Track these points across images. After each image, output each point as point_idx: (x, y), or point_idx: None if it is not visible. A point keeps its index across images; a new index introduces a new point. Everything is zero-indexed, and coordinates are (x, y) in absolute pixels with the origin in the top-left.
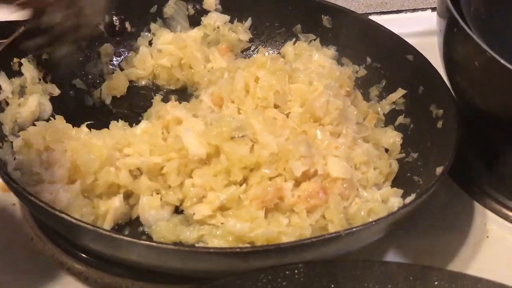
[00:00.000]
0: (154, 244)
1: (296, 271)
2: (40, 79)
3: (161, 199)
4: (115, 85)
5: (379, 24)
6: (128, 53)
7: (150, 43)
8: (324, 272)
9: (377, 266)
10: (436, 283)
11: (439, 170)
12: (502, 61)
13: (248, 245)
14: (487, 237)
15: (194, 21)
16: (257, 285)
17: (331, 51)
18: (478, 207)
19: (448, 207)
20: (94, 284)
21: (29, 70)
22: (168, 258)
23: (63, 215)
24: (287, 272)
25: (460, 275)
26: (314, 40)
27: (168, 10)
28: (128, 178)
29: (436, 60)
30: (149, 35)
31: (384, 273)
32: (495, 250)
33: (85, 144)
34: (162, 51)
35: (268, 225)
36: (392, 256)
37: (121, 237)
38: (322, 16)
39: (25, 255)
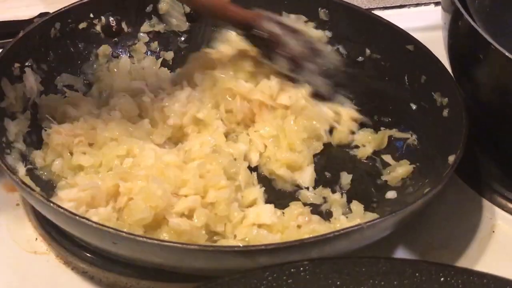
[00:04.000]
0: (179, 244)
1: (301, 268)
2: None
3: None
4: (104, 87)
5: (376, 15)
6: (125, 54)
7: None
8: (330, 269)
9: (383, 263)
10: (442, 279)
11: (451, 158)
12: (507, 54)
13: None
14: (493, 232)
15: (191, 19)
16: (262, 283)
17: (321, 32)
18: (484, 202)
19: (454, 202)
20: (99, 283)
21: (30, 77)
22: (191, 259)
23: (83, 220)
24: (292, 270)
25: (466, 271)
26: (306, 22)
27: (163, 6)
28: (183, 226)
29: (441, 54)
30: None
31: (390, 270)
32: (501, 245)
33: (142, 190)
34: None
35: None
36: (399, 253)
37: (144, 239)
38: (319, 9)
39: (30, 255)
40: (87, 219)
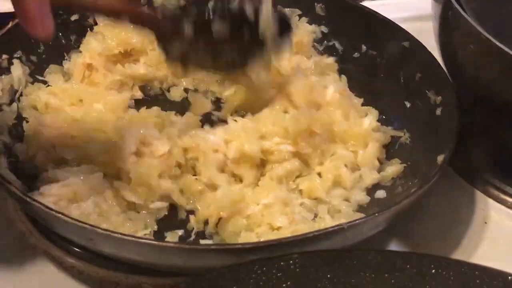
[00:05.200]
0: (155, 242)
1: (291, 261)
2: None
3: None
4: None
5: (373, 10)
6: None
7: None
8: (320, 262)
9: (374, 255)
10: (433, 271)
11: (440, 158)
12: (498, 44)
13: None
14: (486, 223)
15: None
16: (251, 276)
17: (314, 27)
18: (477, 193)
19: (447, 194)
20: (87, 278)
21: (18, 68)
22: (167, 256)
23: (59, 215)
24: (282, 263)
25: (457, 263)
26: (300, 15)
27: None
28: None
29: (431, 45)
30: None
31: (381, 262)
32: (494, 236)
33: None
34: None
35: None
36: (392, 245)
37: (120, 236)
38: (315, 4)
39: (18, 250)
40: (63, 214)
